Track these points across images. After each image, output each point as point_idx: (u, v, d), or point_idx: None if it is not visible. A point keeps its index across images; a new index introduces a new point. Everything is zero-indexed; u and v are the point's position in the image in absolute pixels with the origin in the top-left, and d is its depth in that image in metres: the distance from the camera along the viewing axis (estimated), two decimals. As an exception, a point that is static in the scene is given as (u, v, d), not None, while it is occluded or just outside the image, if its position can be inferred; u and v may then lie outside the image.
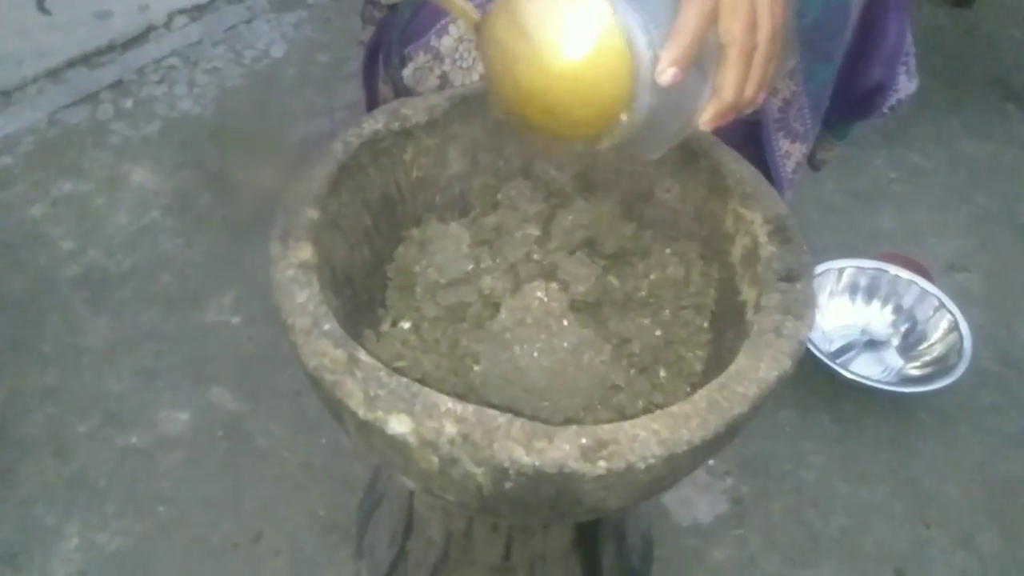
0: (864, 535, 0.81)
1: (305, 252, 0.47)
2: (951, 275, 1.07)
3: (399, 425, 0.39)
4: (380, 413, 0.39)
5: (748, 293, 0.52)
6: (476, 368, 0.53)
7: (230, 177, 1.17)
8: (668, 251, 0.58)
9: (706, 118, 0.45)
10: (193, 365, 0.93)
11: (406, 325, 0.56)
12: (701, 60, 0.43)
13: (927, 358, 0.92)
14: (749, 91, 0.45)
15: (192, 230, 1.09)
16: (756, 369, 0.42)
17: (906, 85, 0.76)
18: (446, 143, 0.59)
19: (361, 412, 0.40)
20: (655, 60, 0.42)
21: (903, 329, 0.96)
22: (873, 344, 0.95)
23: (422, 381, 0.52)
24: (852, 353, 0.93)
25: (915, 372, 0.91)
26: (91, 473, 0.82)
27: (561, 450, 0.38)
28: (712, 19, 0.42)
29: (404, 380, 0.40)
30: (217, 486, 0.82)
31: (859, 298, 0.98)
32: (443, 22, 0.61)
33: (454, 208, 0.62)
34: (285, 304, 0.44)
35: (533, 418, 0.50)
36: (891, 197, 1.19)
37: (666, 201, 0.60)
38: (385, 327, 0.56)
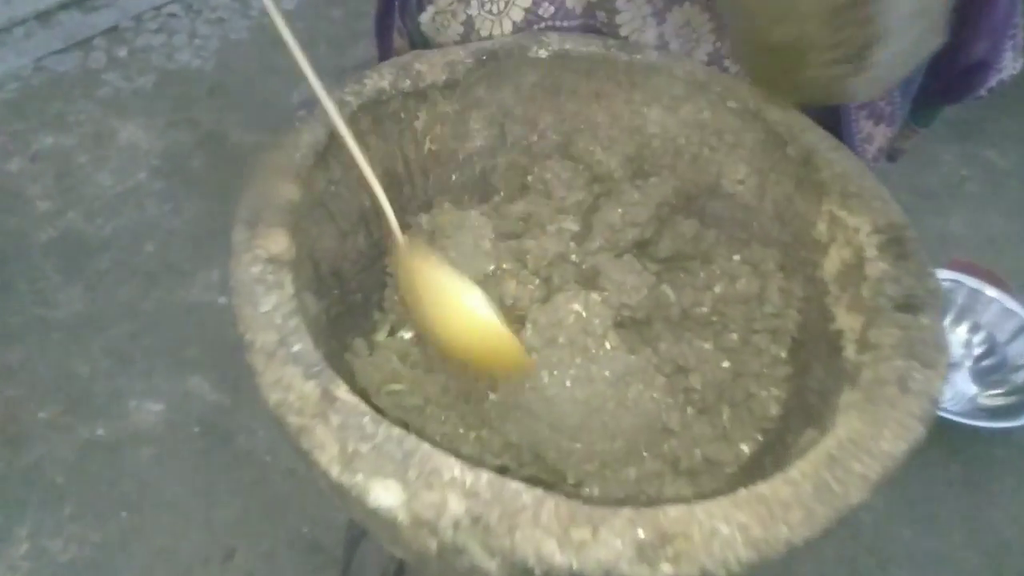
0: (927, 589, 0.70)
1: (278, 242, 0.36)
2: (1032, 290, 0.95)
3: (386, 495, 0.28)
4: (360, 477, 0.29)
5: (846, 321, 0.40)
6: (492, 396, 0.42)
7: (227, 138, 1.06)
8: (737, 258, 0.47)
9: None
10: (172, 349, 0.83)
11: (407, 335, 0.45)
12: None
13: (1007, 387, 0.80)
14: None
15: (182, 195, 0.99)
16: (878, 438, 0.31)
17: (1011, 63, 0.64)
18: (467, 110, 0.48)
19: (335, 472, 0.29)
20: None
21: (978, 351, 0.84)
22: (942, 366, 0.83)
23: (422, 410, 0.42)
24: (919, 375, 0.82)
25: (991, 402, 0.80)
26: (48, 468, 0.73)
27: (610, 547, 0.27)
28: None
29: (396, 432, 0.29)
30: (188, 491, 0.72)
31: (929, 312, 0.86)
32: None
33: (474, 191, 0.51)
34: (244, 313, 0.33)
35: (557, 468, 0.40)
36: (963, 198, 1.07)
37: (738, 194, 0.48)
38: (381, 336, 0.45)
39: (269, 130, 1.06)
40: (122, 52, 1.20)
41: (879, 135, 0.63)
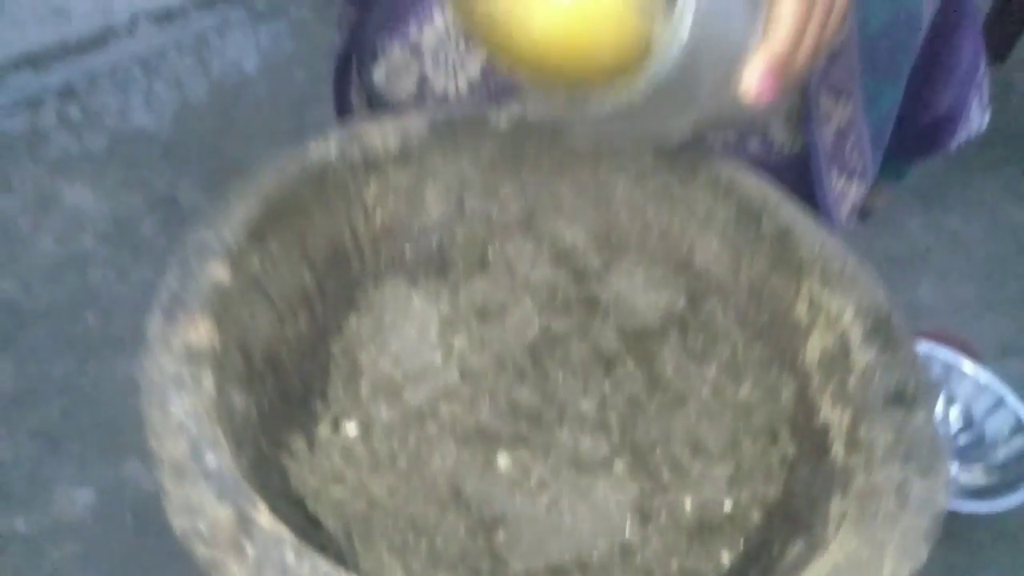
0: None
1: (200, 333, 0.32)
2: (1004, 360, 0.93)
3: (307, 647, 0.24)
4: (277, 624, 0.24)
5: (832, 415, 0.37)
6: (440, 485, 0.37)
7: (180, 202, 1.02)
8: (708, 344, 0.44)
9: (753, 70, 0.34)
10: (106, 429, 0.77)
11: (352, 429, 0.40)
12: None
13: (986, 464, 0.77)
14: (809, 37, 0.34)
15: (128, 262, 0.93)
16: (879, 564, 0.27)
17: (978, 118, 0.65)
18: (422, 180, 0.45)
19: (247, 618, 0.24)
20: None
21: (956, 427, 0.81)
22: (921, 441, 0.80)
23: (368, 516, 0.37)
24: (898, 453, 0.79)
25: (973, 482, 0.77)
26: (-42, 567, 0.66)
27: None
28: None
29: (324, 568, 0.25)
30: (116, 590, 0.65)
31: (905, 385, 0.83)
32: (427, 6, 0.47)
33: (429, 266, 0.47)
34: (153, 419, 0.28)
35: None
36: (930, 266, 1.06)
37: (710, 271, 0.45)
38: (323, 430, 0.40)
39: (224, 195, 1.02)
40: (74, 112, 1.16)
41: (852, 192, 0.62)
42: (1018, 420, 0.78)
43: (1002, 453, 0.77)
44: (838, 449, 0.35)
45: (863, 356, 0.36)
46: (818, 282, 0.39)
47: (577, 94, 0.35)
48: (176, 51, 1.27)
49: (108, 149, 1.09)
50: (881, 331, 0.36)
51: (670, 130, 0.36)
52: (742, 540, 0.38)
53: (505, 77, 0.47)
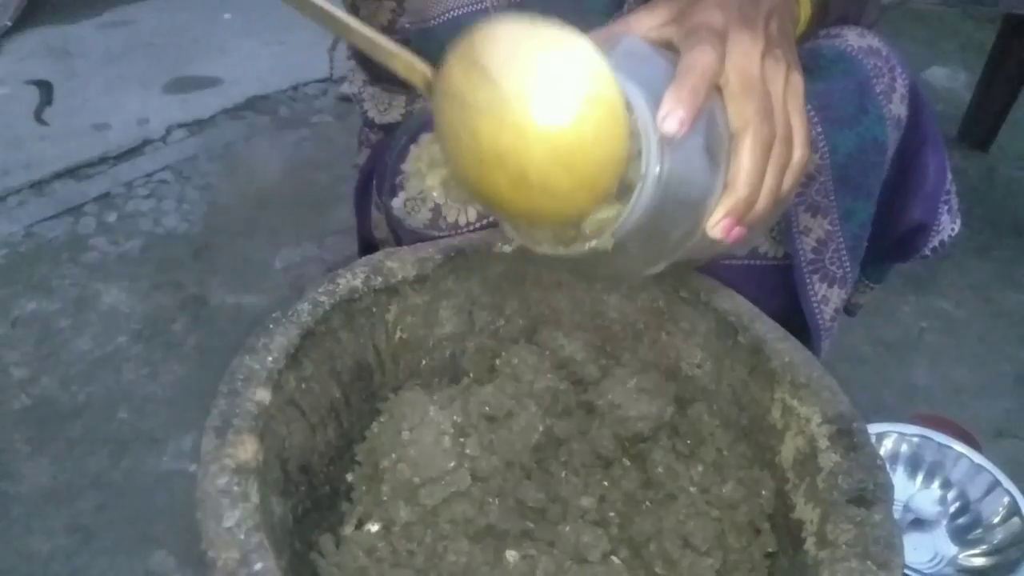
0: None
1: (247, 450, 0.37)
2: (1000, 442, 0.96)
3: None
4: None
5: (805, 511, 0.41)
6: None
7: (209, 301, 1.09)
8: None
9: (717, 216, 0.39)
10: (137, 522, 0.81)
11: (374, 527, 0.45)
12: (711, 145, 0.37)
13: (985, 546, 0.79)
14: (767, 186, 0.39)
15: (159, 359, 0.99)
16: (838, 652, 0.31)
17: (948, 225, 0.70)
18: (437, 300, 0.51)
19: None
20: (656, 121, 0.35)
21: (952, 509, 0.84)
22: (919, 523, 0.83)
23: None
24: (898, 537, 0.81)
25: (973, 562, 0.79)
26: (-6, 662, 0.69)
27: None
28: (716, 77, 0.38)
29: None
30: None
31: (901, 469, 0.86)
32: None
33: (443, 374, 0.52)
34: (209, 529, 0.33)
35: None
36: (924, 350, 1.10)
37: (696, 378, 0.50)
38: (348, 529, 0.45)
39: (251, 293, 1.09)
40: (111, 217, 1.24)
41: (833, 296, 0.67)
42: (1013, 502, 0.80)
43: (1000, 535, 0.79)
44: (810, 543, 0.39)
45: (829, 459, 0.40)
46: (788, 391, 0.44)
47: (557, 235, 0.39)
48: (206, 158, 1.36)
49: (142, 251, 1.17)
50: (844, 436, 0.41)
51: (644, 268, 0.41)
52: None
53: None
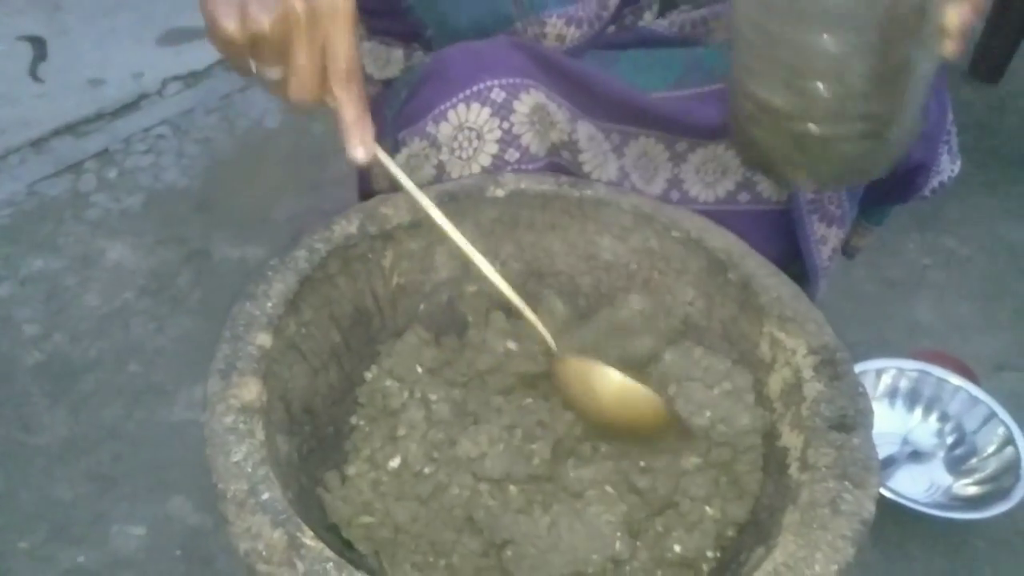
0: None
1: (251, 390, 0.38)
2: (999, 376, 0.97)
3: (347, 643, 0.30)
4: (323, 625, 0.30)
5: (790, 439, 0.42)
6: (456, 512, 0.43)
7: (212, 255, 1.10)
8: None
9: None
10: (154, 470, 0.84)
11: (379, 465, 0.47)
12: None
13: (979, 475, 0.82)
14: None
15: (166, 314, 1.01)
16: (811, 562, 0.33)
17: (948, 166, 0.70)
18: (432, 245, 0.51)
19: (299, 621, 0.30)
20: None
21: (949, 440, 0.85)
22: (917, 456, 0.85)
23: (393, 540, 0.43)
24: (893, 467, 0.83)
25: (966, 491, 0.81)
26: (27, 600, 0.72)
27: None
28: None
29: (357, 579, 0.31)
30: (169, 620, 0.72)
31: (899, 403, 0.88)
32: (442, 107, 0.54)
33: (441, 318, 0.53)
34: (217, 463, 0.35)
35: None
36: (927, 286, 1.10)
37: (690, 315, 0.51)
38: (352, 468, 0.47)
39: (253, 245, 1.10)
40: (112, 174, 1.24)
41: (832, 236, 0.67)
42: (1008, 432, 0.82)
43: (993, 464, 0.81)
44: (794, 468, 0.41)
45: (813, 388, 0.41)
46: (776, 325, 0.45)
47: None
48: (203, 111, 1.36)
49: (144, 207, 1.17)
50: (827, 366, 0.42)
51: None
52: (719, 552, 0.43)
53: (514, 164, 0.53)
